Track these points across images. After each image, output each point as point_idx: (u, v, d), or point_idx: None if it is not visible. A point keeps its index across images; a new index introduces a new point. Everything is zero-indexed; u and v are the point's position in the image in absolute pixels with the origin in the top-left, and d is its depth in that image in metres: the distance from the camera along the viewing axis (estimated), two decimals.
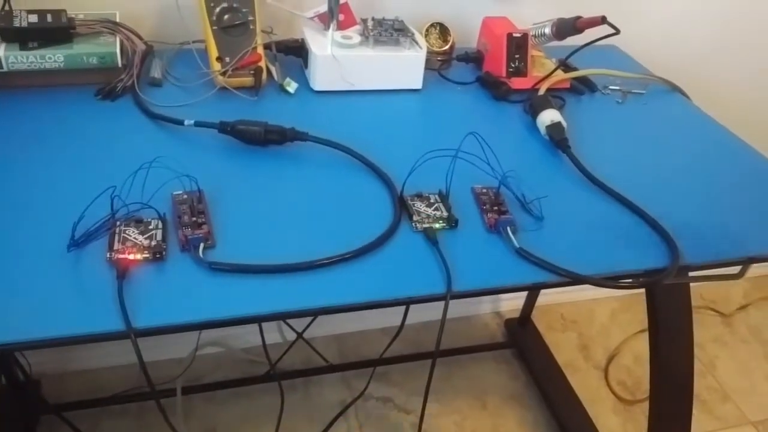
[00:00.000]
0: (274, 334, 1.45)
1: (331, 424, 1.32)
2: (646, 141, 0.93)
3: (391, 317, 1.40)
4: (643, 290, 0.94)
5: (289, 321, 1.37)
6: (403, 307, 1.12)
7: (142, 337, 0.54)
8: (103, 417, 1.32)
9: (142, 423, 1.32)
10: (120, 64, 0.86)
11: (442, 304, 0.63)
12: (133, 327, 0.54)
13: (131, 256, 0.59)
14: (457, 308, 1.66)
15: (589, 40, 0.94)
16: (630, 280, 0.69)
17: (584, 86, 1.02)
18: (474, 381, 1.51)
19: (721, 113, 1.02)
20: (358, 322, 1.58)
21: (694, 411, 1.08)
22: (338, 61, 0.91)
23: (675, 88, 1.07)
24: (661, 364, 1.06)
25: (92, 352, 1.40)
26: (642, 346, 1.63)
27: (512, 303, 1.71)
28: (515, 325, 1.65)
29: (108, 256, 0.59)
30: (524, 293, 1.60)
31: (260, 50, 0.90)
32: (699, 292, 1.83)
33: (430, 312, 1.52)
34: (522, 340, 1.61)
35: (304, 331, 1.34)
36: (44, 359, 1.33)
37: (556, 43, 0.99)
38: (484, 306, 1.71)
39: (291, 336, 1.39)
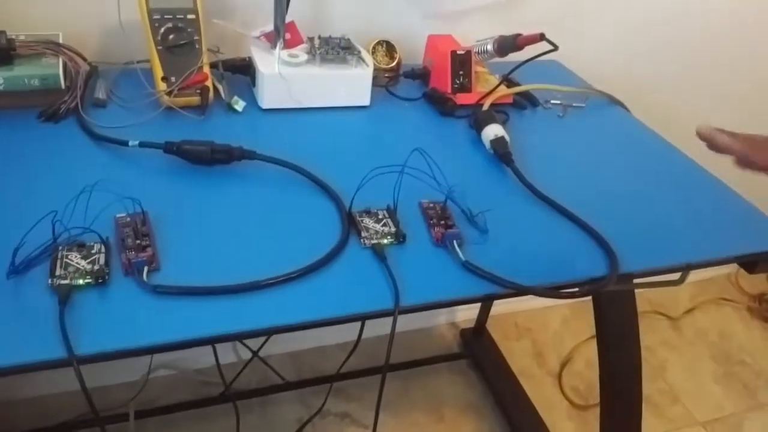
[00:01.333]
0: (229, 354, 1.43)
1: None
2: (587, 153, 0.96)
3: (347, 333, 1.40)
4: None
5: (245, 340, 1.36)
6: (359, 323, 1.13)
7: (89, 363, 0.54)
8: None
9: None
10: (63, 86, 0.85)
11: (400, 317, 0.63)
12: (76, 354, 0.53)
13: (73, 282, 0.58)
14: (413, 320, 1.67)
15: (530, 56, 0.97)
16: (573, 290, 0.71)
17: (527, 101, 1.05)
18: (430, 393, 1.52)
19: (660, 123, 1.06)
20: (315, 338, 1.58)
21: (646, 413, 1.11)
22: (285, 79, 0.91)
23: (614, 101, 1.11)
24: (609, 369, 1.09)
25: (39, 379, 1.36)
26: (594, 351, 1.66)
27: (467, 313, 1.73)
28: (470, 335, 1.67)
29: (49, 282, 0.58)
30: (479, 303, 1.62)
31: (206, 69, 0.90)
32: (647, 297, 1.88)
33: (387, 326, 1.53)
34: (477, 350, 1.63)
35: (259, 349, 1.33)
36: None
37: (499, 59, 1.02)
38: (440, 317, 1.73)
39: (246, 355, 1.37)
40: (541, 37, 0.92)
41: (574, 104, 1.07)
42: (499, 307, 1.69)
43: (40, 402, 1.36)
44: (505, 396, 1.51)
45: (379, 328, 1.47)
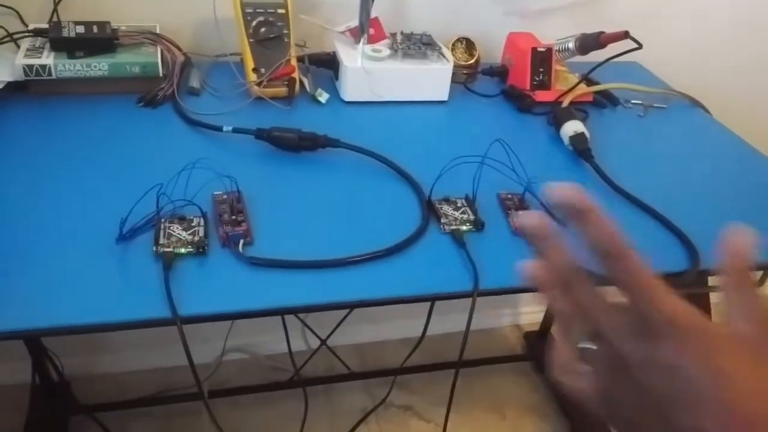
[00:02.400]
0: (298, 341, 1.48)
1: (352, 430, 1.34)
2: (667, 153, 0.95)
3: (412, 328, 1.42)
4: None
5: (314, 328, 1.39)
6: (423, 318, 1.14)
7: (191, 323, 0.57)
8: (131, 419, 1.35)
9: (168, 425, 1.35)
10: (161, 74, 0.91)
11: (462, 315, 0.65)
12: (180, 315, 0.57)
13: (176, 250, 0.63)
14: (478, 321, 1.68)
15: (611, 55, 0.97)
16: None
17: (606, 100, 1.05)
18: (493, 392, 1.53)
19: (742, 127, 1.04)
20: (379, 332, 1.61)
21: None
22: (368, 73, 0.94)
23: (696, 103, 1.10)
24: None
25: (119, 356, 1.44)
26: None
27: (532, 316, 1.72)
28: (535, 338, 1.66)
29: (154, 249, 0.63)
30: (544, 306, 1.61)
31: (294, 62, 0.94)
32: (720, 309, 1.83)
33: (450, 323, 1.54)
34: (541, 353, 1.62)
35: (327, 337, 1.36)
36: (74, 361, 1.36)
37: (578, 58, 1.02)
38: (504, 319, 1.73)
39: (314, 343, 1.41)
40: (626, 34, 0.92)
41: (654, 105, 1.06)
42: None
43: (119, 378, 1.44)
44: (569, 399, 1.49)
45: (441, 325, 1.49)
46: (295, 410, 1.37)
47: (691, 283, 0.71)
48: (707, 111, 1.09)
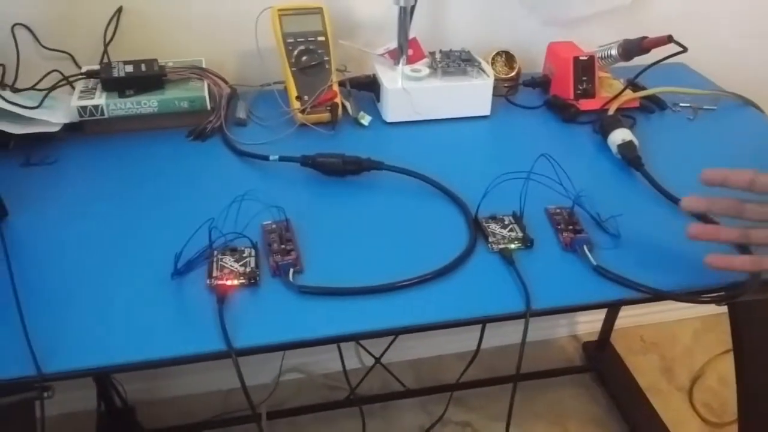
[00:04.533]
0: (352, 360, 1.48)
1: None
2: (720, 156, 0.93)
3: (466, 342, 1.41)
4: (725, 310, 0.92)
5: (367, 346, 1.40)
6: (477, 332, 1.14)
7: (245, 356, 0.59)
8: None
9: None
10: (209, 107, 0.93)
11: (516, 328, 0.64)
12: (234, 347, 0.58)
13: (229, 282, 0.64)
14: (533, 332, 1.65)
15: (656, 59, 0.95)
16: (716, 294, 0.69)
17: (654, 104, 1.02)
18: (553, 405, 1.50)
19: None
20: (433, 347, 1.60)
21: None
22: (409, 93, 0.95)
23: (748, 102, 1.06)
24: (748, 386, 1.03)
25: (181, 380, 1.47)
26: (728, 366, 1.57)
27: (589, 326, 1.68)
28: (593, 349, 1.62)
29: (208, 282, 0.64)
30: (602, 316, 1.58)
31: (335, 87, 0.95)
32: None
33: (504, 336, 1.52)
34: (601, 364, 1.58)
35: (381, 355, 1.36)
36: (137, 387, 1.40)
37: (622, 64, 1.01)
38: (561, 330, 1.70)
39: (369, 362, 1.42)
40: (669, 39, 0.90)
41: (704, 107, 1.03)
42: (623, 320, 1.63)
43: (179, 402, 1.47)
44: (632, 411, 1.46)
45: (496, 338, 1.47)
46: (353, 429, 1.38)
47: (753, 292, 0.69)
48: (760, 109, 1.05)
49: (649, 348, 1.67)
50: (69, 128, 0.90)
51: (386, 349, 1.36)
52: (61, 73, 0.95)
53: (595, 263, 0.69)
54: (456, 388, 1.41)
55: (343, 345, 1.29)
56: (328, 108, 0.94)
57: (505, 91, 1.05)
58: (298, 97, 0.93)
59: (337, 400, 1.44)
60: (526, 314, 0.64)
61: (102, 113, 0.90)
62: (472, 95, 0.98)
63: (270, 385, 1.42)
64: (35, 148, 0.87)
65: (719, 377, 1.58)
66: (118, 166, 0.86)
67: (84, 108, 0.89)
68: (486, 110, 0.99)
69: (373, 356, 1.38)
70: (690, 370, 1.60)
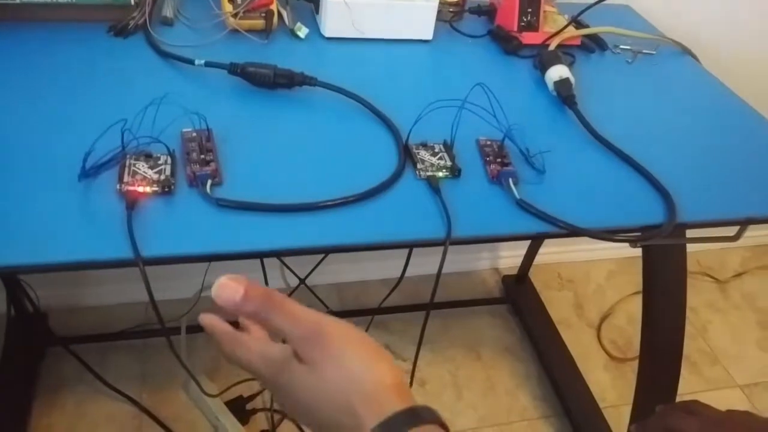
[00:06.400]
0: (277, 280, 1.47)
1: None
2: (653, 101, 0.94)
3: (391, 269, 1.42)
4: (640, 253, 0.96)
5: (292, 267, 1.39)
6: (404, 259, 1.14)
7: (153, 265, 0.56)
8: (109, 352, 1.36)
9: (146, 359, 1.36)
10: (133, 2, 0.86)
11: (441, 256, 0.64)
12: (142, 256, 0.56)
13: (141, 189, 0.61)
14: (457, 263, 1.68)
15: None
16: (630, 234, 0.71)
17: (595, 44, 1.02)
18: (469, 333, 1.55)
19: (730, 79, 1.02)
20: (359, 272, 1.61)
21: (683, 371, 1.11)
22: (349, 8, 0.90)
23: (686, 51, 1.07)
24: (653, 322, 1.09)
25: (98, 289, 1.44)
26: (636, 307, 1.66)
27: (510, 260, 1.73)
28: (512, 282, 1.68)
29: (118, 187, 0.61)
30: (523, 252, 1.62)
31: None
32: (696, 258, 1.85)
33: (430, 265, 1.54)
34: (518, 297, 1.64)
35: (306, 277, 1.36)
36: (51, 293, 1.36)
37: None
38: (483, 262, 1.74)
39: (293, 282, 1.41)
40: None
41: (644, 51, 1.04)
42: (542, 257, 1.68)
43: (97, 311, 1.44)
44: (543, 342, 1.52)
45: (421, 267, 1.49)
46: None
47: (667, 235, 0.71)
48: (697, 60, 1.06)
49: (565, 285, 1.74)
50: None
51: (311, 271, 1.35)
52: None
53: (518, 197, 0.69)
54: (378, 312, 1.43)
55: (268, 265, 1.28)
56: (263, 15, 0.89)
57: (450, 17, 1.02)
58: (231, 0, 0.87)
59: None
60: (446, 242, 0.64)
61: None
62: (415, 17, 0.95)
63: (192, 300, 1.40)
64: None
65: (627, 316, 1.66)
66: (28, 57, 0.79)
67: None
68: (428, 34, 0.96)
69: (298, 277, 1.37)
70: (600, 308, 1.68)
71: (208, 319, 0.41)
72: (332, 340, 0.39)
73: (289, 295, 1.36)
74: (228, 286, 0.37)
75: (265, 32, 0.89)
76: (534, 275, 1.68)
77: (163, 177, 0.62)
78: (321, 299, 1.43)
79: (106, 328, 1.39)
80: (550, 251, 1.72)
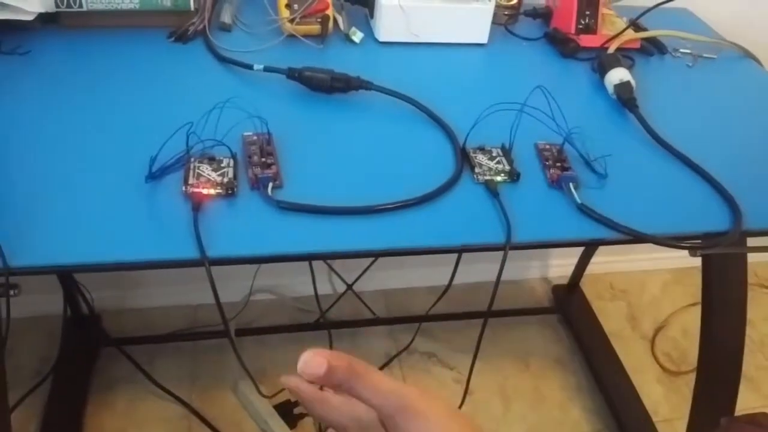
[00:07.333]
0: (324, 285, 1.48)
1: None
2: (715, 105, 0.91)
3: (438, 276, 1.41)
4: (698, 264, 0.92)
5: (340, 272, 1.40)
6: (450, 267, 1.13)
7: (218, 265, 0.57)
8: (159, 354, 1.38)
9: (195, 361, 1.38)
10: (192, 8, 0.88)
11: (489, 266, 0.63)
12: (208, 256, 0.56)
13: (205, 191, 0.62)
14: (506, 271, 1.65)
15: (660, 0, 0.92)
16: (694, 242, 0.69)
17: (654, 47, 1.00)
18: (518, 343, 1.53)
19: None
20: (406, 279, 1.60)
21: (742, 387, 1.07)
22: (404, 12, 0.90)
23: (748, 55, 1.04)
24: (712, 335, 1.05)
25: (150, 291, 1.46)
26: (691, 319, 1.61)
27: (561, 270, 1.70)
28: (563, 292, 1.65)
29: (183, 189, 0.62)
30: (574, 261, 1.59)
31: None
32: (753, 269, 1.79)
33: (476, 274, 1.53)
34: (569, 307, 1.61)
35: (354, 282, 1.37)
36: (105, 295, 1.39)
37: (627, 2, 0.97)
38: (533, 271, 1.71)
39: (341, 288, 1.42)
40: None
41: (704, 55, 1.01)
42: (594, 266, 1.65)
43: (148, 313, 1.47)
44: (594, 354, 1.49)
45: (467, 275, 1.47)
46: None
47: (733, 242, 0.69)
48: (760, 63, 1.03)
49: (618, 295, 1.70)
50: (44, 19, 0.84)
51: (359, 277, 1.36)
52: None
53: (579, 201, 0.68)
54: (424, 320, 1.42)
55: (315, 271, 1.28)
56: (319, 20, 0.89)
57: (505, 20, 1.01)
58: (288, 5, 0.88)
59: (307, 322, 1.44)
60: (506, 246, 0.63)
61: (80, 5, 0.84)
62: (470, 20, 0.94)
63: (239, 304, 1.42)
64: (7, 36, 0.81)
65: (682, 329, 1.61)
66: (95, 63, 0.81)
67: None
68: (483, 38, 0.96)
69: (345, 282, 1.38)
70: (655, 320, 1.63)
71: (293, 382, 0.41)
72: (416, 415, 0.38)
73: (336, 300, 1.37)
74: (313, 361, 0.37)
75: (321, 37, 0.90)
76: (585, 285, 1.65)
77: (226, 179, 0.63)
78: (367, 305, 1.44)
79: (156, 331, 1.42)
80: (602, 260, 1.68)
